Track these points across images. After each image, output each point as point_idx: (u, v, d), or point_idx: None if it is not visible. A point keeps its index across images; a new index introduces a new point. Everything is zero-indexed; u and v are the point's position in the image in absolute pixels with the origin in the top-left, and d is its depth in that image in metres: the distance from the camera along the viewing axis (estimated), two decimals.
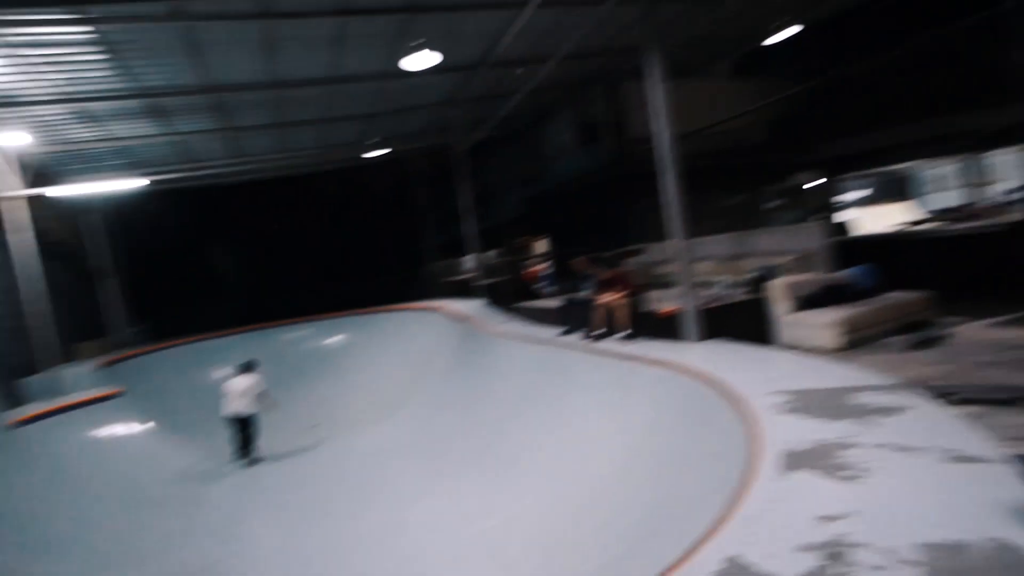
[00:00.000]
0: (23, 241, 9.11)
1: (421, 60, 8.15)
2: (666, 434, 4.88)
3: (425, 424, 9.51)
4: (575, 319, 7.76)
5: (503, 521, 5.58)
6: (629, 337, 6.60)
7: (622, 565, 4.07)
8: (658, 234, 10.86)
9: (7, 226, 9.03)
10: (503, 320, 10.34)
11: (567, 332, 7.75)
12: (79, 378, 9.58)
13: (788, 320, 6.19)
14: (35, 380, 9.16)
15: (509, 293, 11.64)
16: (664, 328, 6.52)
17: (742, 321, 6.46)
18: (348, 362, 13.69)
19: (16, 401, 8.75)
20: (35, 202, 9.79)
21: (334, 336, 14.50)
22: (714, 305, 6.57)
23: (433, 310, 13.25)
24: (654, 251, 10.28)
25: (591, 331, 7.07)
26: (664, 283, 9.92)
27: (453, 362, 10.84)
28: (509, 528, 5.44)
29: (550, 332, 8.18)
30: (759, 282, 6.79)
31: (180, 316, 15.57)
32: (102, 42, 6.92)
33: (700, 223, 7.44)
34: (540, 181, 15.75)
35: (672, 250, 6.34)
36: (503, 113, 11.44)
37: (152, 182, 12.25)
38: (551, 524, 5.19)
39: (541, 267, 15.50)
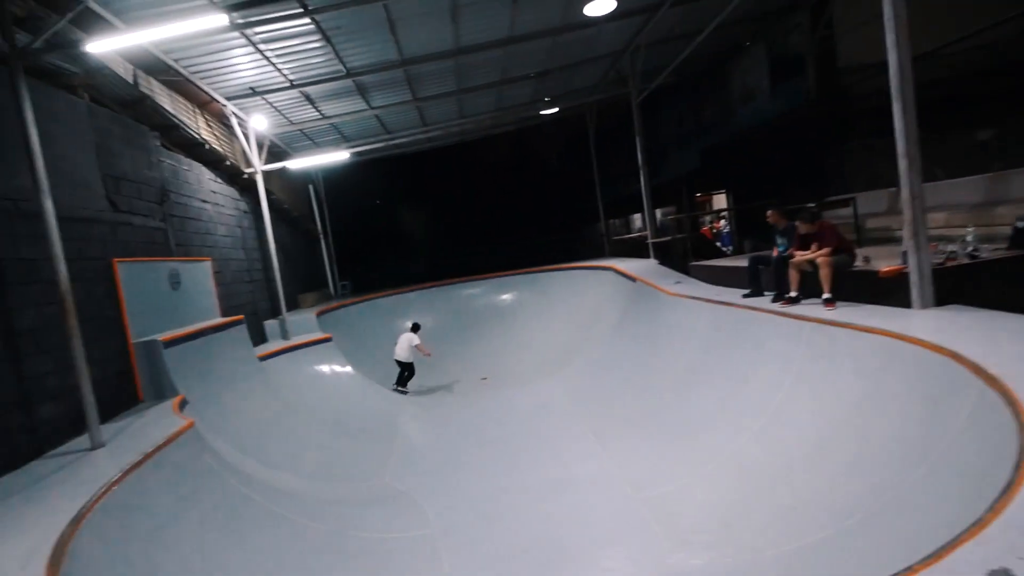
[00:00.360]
0: (266, 208, 11.03)
1: (598, 7, 7.77)
2: (883, 413, 4.09)
3: (591, 383, 9.49)
4: (763, 279, 6.93)
5: (675, 489, 5.30)
6: (832, 300, 5.66)
7: (820, 553, 3.57)
8: (870, 181, 9.15)
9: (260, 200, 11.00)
10: (677, 280, 9.72)
11: (753, 293, 6.95)
12: (302, 324, 11.47)
13: None
14: (272, 323, 11.22)
15: (684, 251, 10.89)
16: (880, 291, 5.45)
17: (995, 284, 5.10)
18: (518, 319, 14.29)
19: (262, 339, 10.84)
20: (271, 175, 11.77)
21: (506, 293, 15.17)
22: (952, 264, 5.29)
23: (603, 269, 13.03)
24: (865, 201, 8.66)
25: (784, 292, 6.22)
26: (877, 238, 8.36)
27: (622, 322, 10.58)
28: (682, 497, 5.14)
29: (732, 293, 7.45)
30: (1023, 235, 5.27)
31: (375, 273, 17.77)
32: (318, 31, 7.85)
33: (936, 165, 6.00)
34: (719, 130, 14.30)
35: (896, 198, 5.19)
36: (684, 55, 10.45)
37: (354, 154, 13.87)
38: (730, 498, 4.78)
39: (719, 224, 14.22)
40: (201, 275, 8.75)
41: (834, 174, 10.70)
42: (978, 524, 1.99)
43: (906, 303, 5.07)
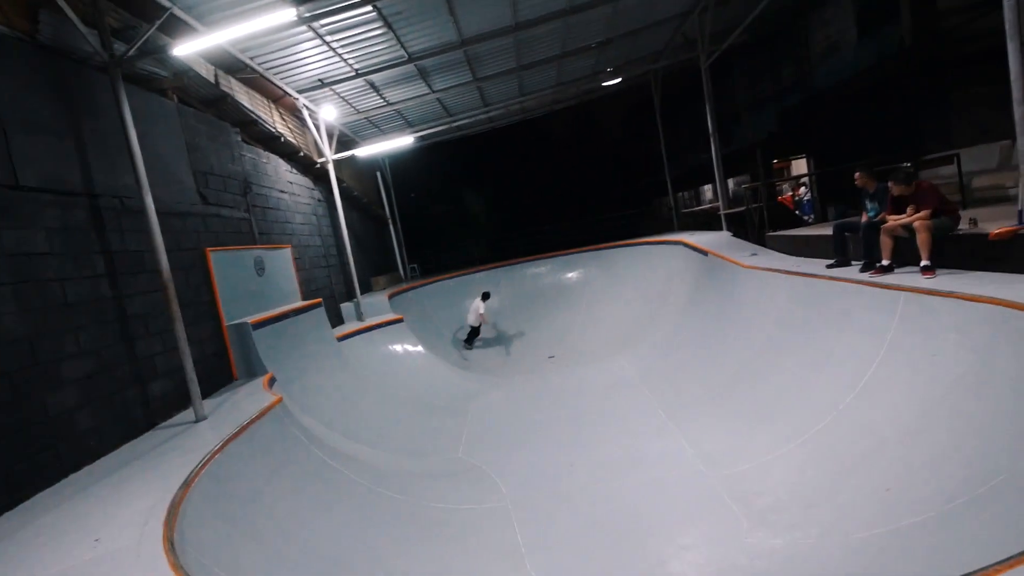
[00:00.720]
0: (337, 196, 11.51)
1: None
2: (992, 390, 3.71)
3: (662, 360, 9.28)
4: (851, 247, 6.44)
5: (752, 468, 5.10)
6: (931, 268, 5.15)
7: (917, 537, 3.32)
8: (977, 135, 8.20)
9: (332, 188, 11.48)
10: (752, 252, 9.23)
11: (838, 263, 6.48)
12: (375, 306, 11.95)
13: None
14: (348, 305, 11.78)
15: (760, 222, 10.31)
16: (989, 257, 4.91)
17: None
18: (585, 296, 14.15)
19: (339, 320, 11.42)
20: (341, 164, 12.24)
21: (572, 271, 15.04)
22: None
23: (673, 243, 12.60)
24: (970, 157, 7.79)
25: (875, 261, 5.74)
26: (987, 198, 7.52)
27: (694, 297, 10.22)
28: (760, 476, 4.94)
29: (814, 264, 6.98)
30: None
31: (441, 255, 18.16)
32: (380, 17, 8.00)
33: None
34: (798, 90, 13.29)
35: (1010, 152, 4.62)
36: (757, 11, 9.73)
37: (418, 139, 14.12)
38: (814, 478, 4.54)
39: (799, 191, 13.31)
40: (282, 261, 9.31)
41: (933, 129, 9.68)
42: None
43: (1021, 268, 4.54)
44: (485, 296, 13.00)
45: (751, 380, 6.59)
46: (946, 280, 4.88)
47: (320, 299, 9.67)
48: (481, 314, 12.58)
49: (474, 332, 12.84)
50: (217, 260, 7.13)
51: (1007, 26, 4.30)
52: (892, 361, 4.77)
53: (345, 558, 4.32)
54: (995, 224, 5.05)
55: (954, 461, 3.64)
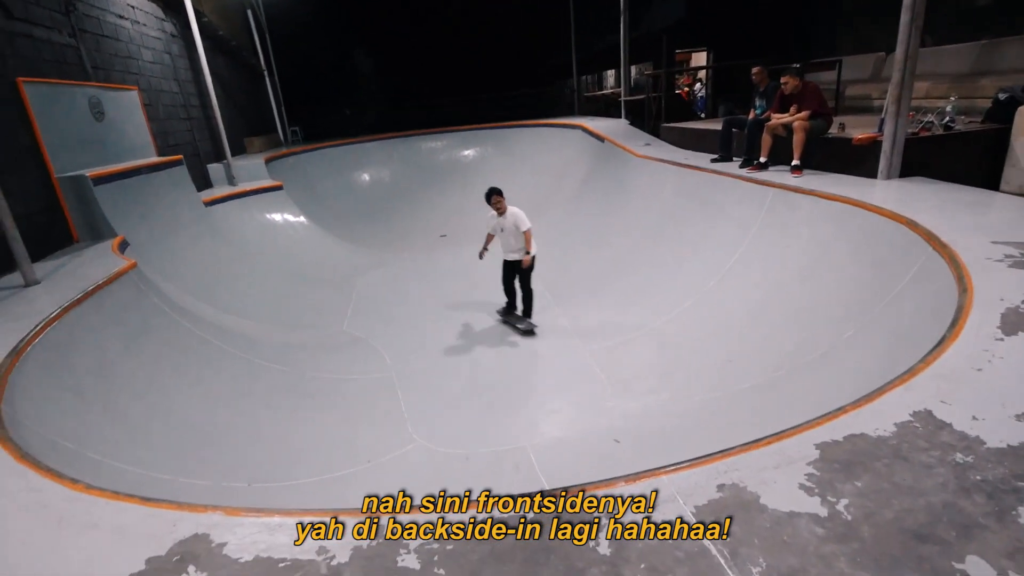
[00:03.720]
0: (196, 31, 9.57)
1: None
2: (831, 276, 4.26)
3: (551, 242, 9.43)
4: (735, 144, 6.74)
5: (622, 342, 5.58)
6: (799, 168, 5.59)
7: (746, 398, 3.90)
8: (858, 45, 8.66)
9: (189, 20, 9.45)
10: (646, 142, 9.40)
11: (722, 158, 6.81)
12: (249, 169, 10.72)
13: None
14: (217, 167, 10.43)
15: (656, 112, 10.41)
16: (849, 161, 5.40)
17: (959, 157, 5.12)
18: (481, 175, 13.76)
19: (206, 183, 10.15)
20: None
21: (469, 149, 14.44)
22: (926, 134, 5.22)
23: (572, 127, 12.43)
24: (848, 67, 8.27)
25: (754, 158, 6.09)
26: (856, 107, 8.14)
27: (587, 182, 10.37)
28: (627, 350, 5.42)
29: (700, 158, 7.29)
30: (1004, 108, 5.16)
31: (329, 120, 16.45)
32: None
33: (925, 31, 5.64)
34: None
35: (881, 65, 4.90)
36: None
37: None
38: (672, 352, 5.09)
39: (696, 84, 13.52)
40: (129, 106, 7.81)
41: (821, 35, 10.07)
42: (909, 373, 2.11)
43: (873, 173, 5.06)
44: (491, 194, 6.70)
45: (631, 264, 7.02)
46: (811, 179, 5.34)
47: (181, 156, 8.41)
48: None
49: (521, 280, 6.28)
50: (36, 95, 5.74)
51: None
52: (752, 250, 5.27)
53: (219, 430, 4.16)
54: (859, 131, 5.50)
55: (783, 338, 4.23)
